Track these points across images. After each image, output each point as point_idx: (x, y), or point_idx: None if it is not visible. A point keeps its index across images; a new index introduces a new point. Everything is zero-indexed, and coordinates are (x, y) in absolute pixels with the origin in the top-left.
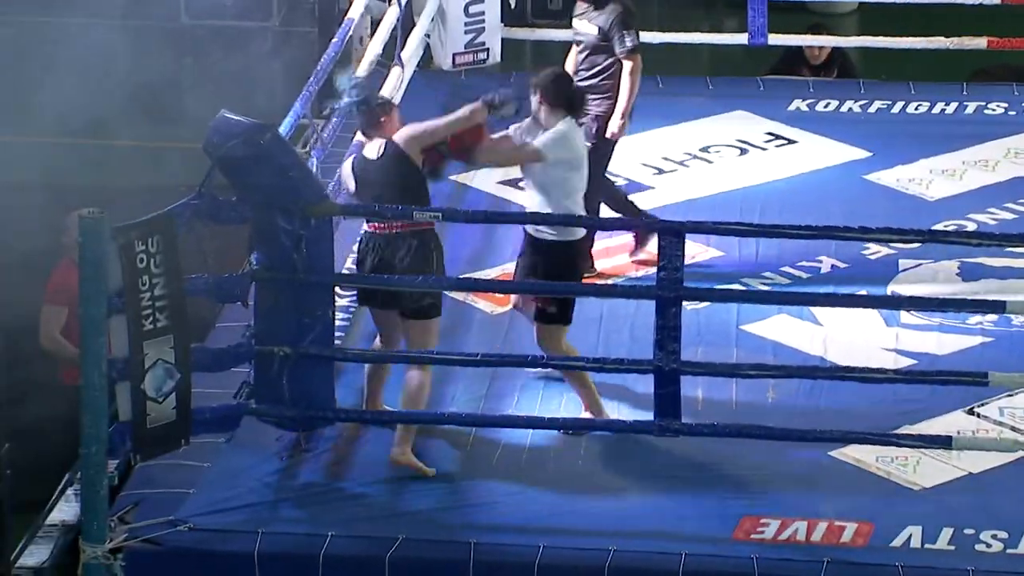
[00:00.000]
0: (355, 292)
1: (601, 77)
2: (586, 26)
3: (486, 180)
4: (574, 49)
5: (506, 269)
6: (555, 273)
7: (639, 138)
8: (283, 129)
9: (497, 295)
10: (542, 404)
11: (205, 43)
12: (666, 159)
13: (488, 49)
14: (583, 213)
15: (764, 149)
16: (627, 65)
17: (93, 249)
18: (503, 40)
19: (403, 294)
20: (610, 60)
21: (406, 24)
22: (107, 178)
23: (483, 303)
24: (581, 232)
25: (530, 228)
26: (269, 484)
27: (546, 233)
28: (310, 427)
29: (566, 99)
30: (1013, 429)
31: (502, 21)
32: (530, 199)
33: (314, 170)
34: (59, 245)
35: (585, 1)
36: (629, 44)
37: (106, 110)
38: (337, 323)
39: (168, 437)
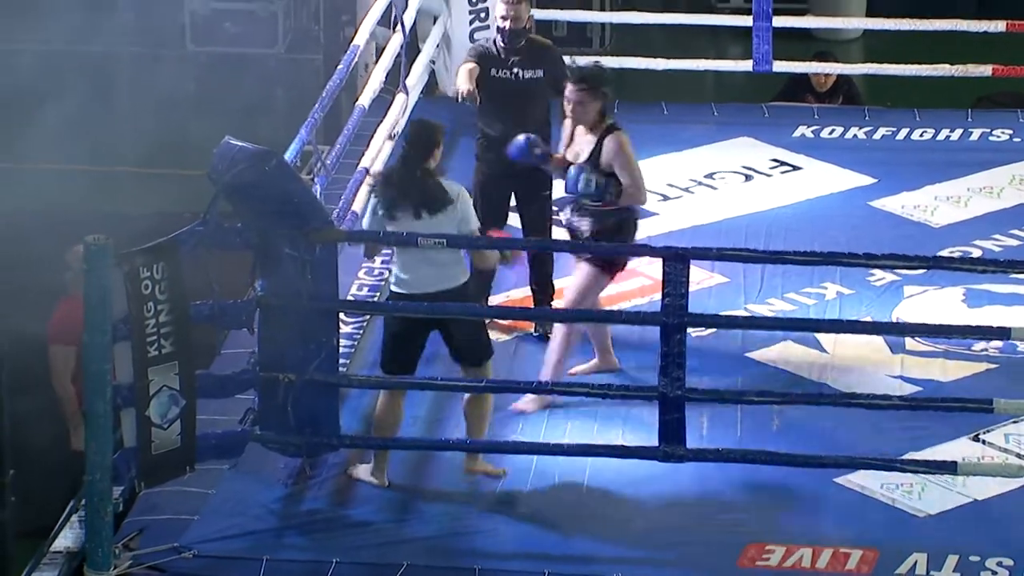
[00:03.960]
0: (361, 318)
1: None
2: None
3: None
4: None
5: (511, 296)
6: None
7: (644, 165)
8: (288, 156)
9: (503, 322)
10: (547, 430)
11: (210, 70)
12: (671, 185)
13: None
14: None
15: (769, 176)
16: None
17: (98, 276)
18: None
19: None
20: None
21: (411, 51)
22: (112, 205)
23: (489, 331)
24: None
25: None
26: (274, 511)
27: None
28: (315, 454)
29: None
30: (1018, 456)
31: None
32: None
33: (319, 196)
34: (62, 281)
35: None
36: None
37: (111, 136)
38: (342, 349)
39: (173, 464)
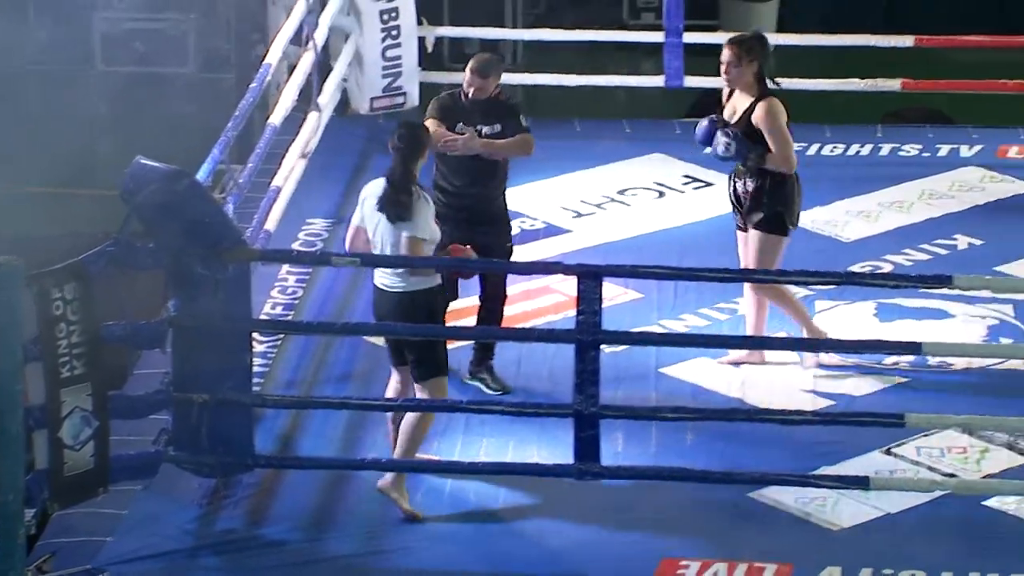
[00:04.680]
0: (274, 338)
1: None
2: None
3: None
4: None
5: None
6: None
7: (557, 181)
8: (201, 175)
9: None
10: (462, 449)
11: (121, 89)
12: (584, 202)
13: (405, 93)
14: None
15: (682, 192)
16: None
17: (7, 297)
18: (421, 84)
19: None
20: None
21: (323, 69)
22: (23, 225)
23: None
24: (437, 279)
25: (382, 281)
26: (188, 531)
27: (399, 284)
28: (229, 474)
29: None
30: (930, 469)
31: (419, 65)
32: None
33: (231, 215)
34: None
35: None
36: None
37: (22, 156)
38: (255, 369)
39: (86, 485)
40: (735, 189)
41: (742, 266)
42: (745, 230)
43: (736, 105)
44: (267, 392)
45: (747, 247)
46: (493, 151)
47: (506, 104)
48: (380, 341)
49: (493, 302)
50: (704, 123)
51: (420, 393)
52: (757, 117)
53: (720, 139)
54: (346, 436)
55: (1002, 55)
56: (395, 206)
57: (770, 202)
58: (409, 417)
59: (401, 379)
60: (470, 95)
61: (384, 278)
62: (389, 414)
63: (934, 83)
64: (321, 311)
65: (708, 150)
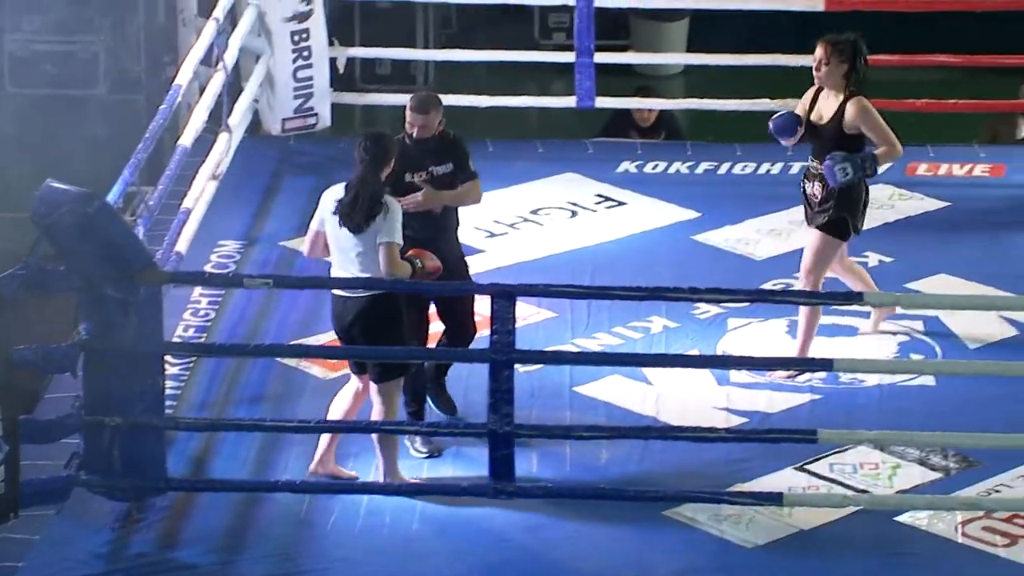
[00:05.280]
0: (187, 360)
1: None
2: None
3: None
4: None
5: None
6: (383, 326)
7: None
8: (111, 198)
9: (330, 360)
10: (377, 470)
11: (31, 111)
12: (497, 222)
13: (317, 114)
14: None
15: (594, 211)
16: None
17: None
18: (332, 105)
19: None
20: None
21: (233, 90)
22: None
23: (316, 369)
24: None
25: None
26: (100, 555)
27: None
28: (142, 497)
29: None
30: (842, 485)
31: (331, 86)
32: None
33: (142, 238)
34: None
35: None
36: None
37: None
38: (168, 391)
39: None
40: (805, 190)
41: (803, 261)
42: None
43: (823, 109)
44: (180, 415)
45: (809, 245)
46: (449, 203)
47: (455, 143)
48: (294, 362)
49: (459, 339)
50: (783, 114)
51: (376, 396)
52: (851, 116)
53: (836, 170)
54: (259, 458)
55: (910, 74)
56: (361, 216)
57: (837, 207)
58: (375, 417)
59: (359, 390)
60: (415, 135)
61: (348, 275)
62: (336, 413)
63: None
64: (234, 333)
65: (786, 142)
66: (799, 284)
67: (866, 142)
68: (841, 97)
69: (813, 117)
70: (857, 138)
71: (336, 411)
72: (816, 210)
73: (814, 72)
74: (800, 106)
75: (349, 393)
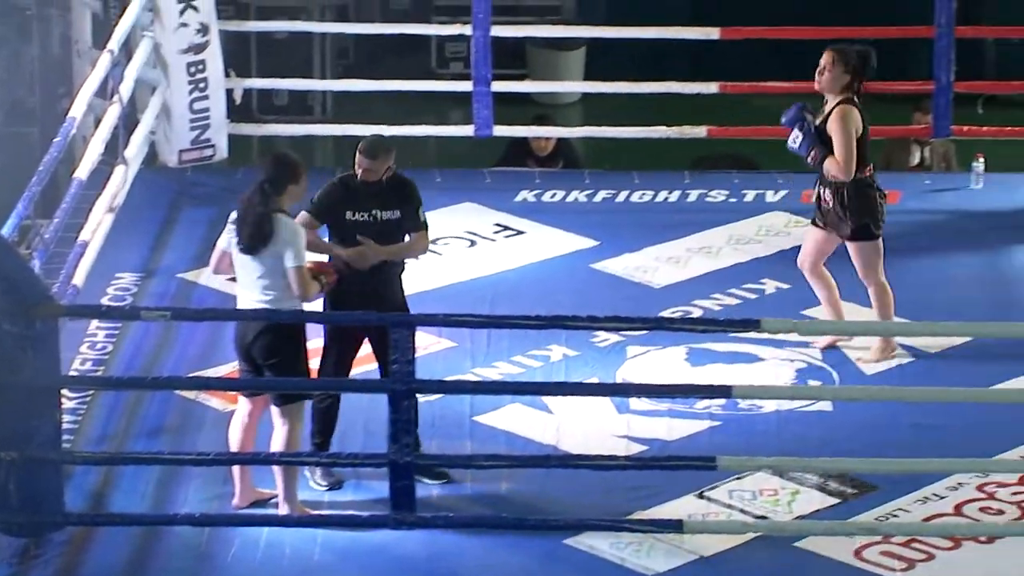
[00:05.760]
0: (84, 393)
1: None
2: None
3: (214, 277)
4: None
5: (237, 366)
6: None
7: None
8: (6, 231)
9: (229, 392)
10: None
11: None
12: None
13: (214, 145)
14: None
15: (493, 240)
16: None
17: None
18: (229, 136)
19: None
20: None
21: (129, 122)
22: None
23: (216, 401)
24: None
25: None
26: None
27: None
28: (39, 533)
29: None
30: (742, 511)
31: (228, 117)
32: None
33: (38, 271)
34: None
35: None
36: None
37: None
38: (65, 425)
39: None
40: (819, 194)
41: (801, 256)
42: (819, 226)
43: (825, 111)
44: (77, 449)
45: (854, 259)
46: (393, 257)
47: (405, 188)
48: (192, 394)
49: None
50: (794, 108)
51: (278, 419)
52: (830, 120)
53: (794, 132)
54: (158, 491)
55: (805, 101)
56: (246, 236)
57: (858, 215)
58: (275, 445)
59: (251, 410)
60: (360, 176)
61: (251, 299)
62: (235, 440)
63: (739, 129)
64: (131, 366)
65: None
66: (867, 288)
67: None
68: (835, 102)
69: (818, 119)
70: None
71: (234, 439)
72: (837, 219)
73: (817, 77)
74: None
75: (240, 419)
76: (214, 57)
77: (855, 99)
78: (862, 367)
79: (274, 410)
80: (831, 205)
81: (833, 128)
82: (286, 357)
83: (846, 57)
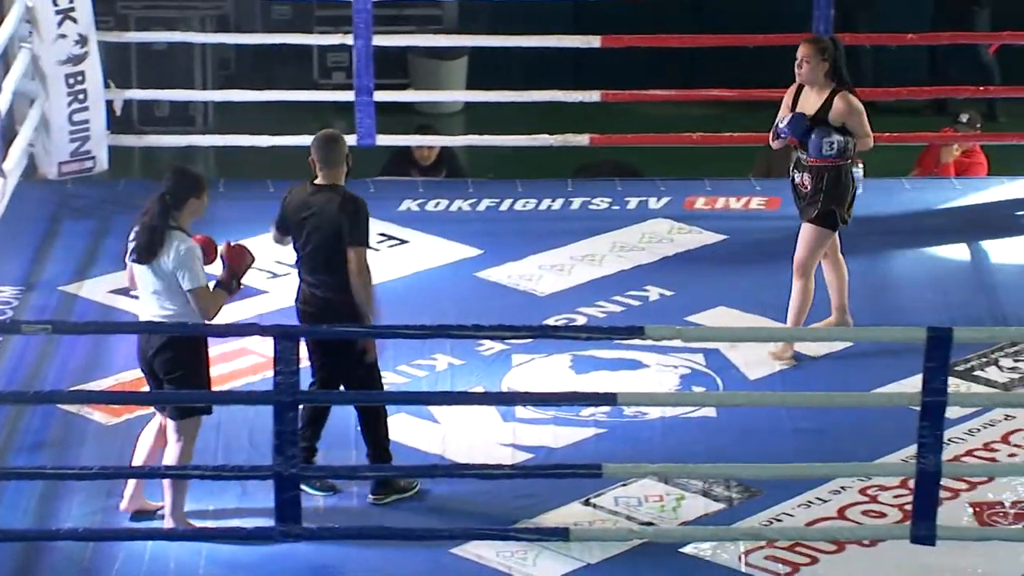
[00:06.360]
0: None
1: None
2: None
3: (95, 289)
4: None
5: (120, 379)
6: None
7: (251, 243)
8: None
9: (112, 406)
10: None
11: None
12: (279, 263)
13: (94, 157)
14: None
15: (377, 250)
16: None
17: None
18: (110, 147)
19: None
20: None
21: (7, 134)
22: None
23: (98, 414)
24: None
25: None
26: None
27: (166, 316)
28: None
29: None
30: (628, 518)
31: (108, 128)
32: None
33: None
34: None
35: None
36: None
37: None
38: None
39: None
40: (794, 180)
41: (797, 254)
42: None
43: (806, 104)
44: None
45: (801, 238)
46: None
47: (355, 206)
48: (75, 408)
49: (371, 428)
50: (792, 116)
51: (172, 433)
52: (838, 110)
53: (824, 140)
54: (40, 506)
55: (687, 108)
56: (141, 247)
57: (826, 199)
58: (167, 459)
59: (164, 423)
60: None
61: (150, 313)
62: (144, 448)
63: (621, 137)
64: (12, 379)
65: (803, 151)
66: (793, 277)
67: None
68: (826, 92)
69: (797, 112)
70: (839, 130)
71: (141, 449)
72: (806, 202)
73: (796, 70)
74: (784, 105)
75: (152, 430)
76: (93, 68)
77: (847, 84)
78: (745, 371)
79: (169, 424)
80: (808, 189)
81: (846, 114)
82: (186, 372)
83: (821, 45)
